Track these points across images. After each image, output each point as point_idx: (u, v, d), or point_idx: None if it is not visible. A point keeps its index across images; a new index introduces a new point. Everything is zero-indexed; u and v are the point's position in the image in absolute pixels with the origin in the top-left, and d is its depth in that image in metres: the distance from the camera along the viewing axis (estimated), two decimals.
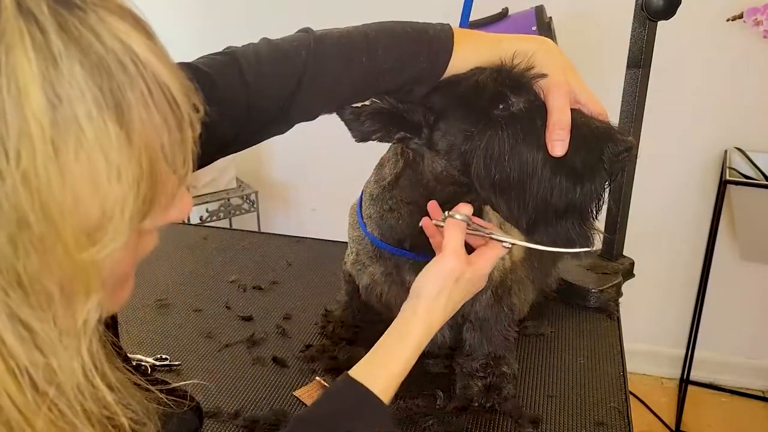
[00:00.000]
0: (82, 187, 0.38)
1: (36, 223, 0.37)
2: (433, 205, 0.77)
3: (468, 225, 0.73)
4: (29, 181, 0.36)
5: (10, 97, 0.35)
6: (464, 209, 0.73)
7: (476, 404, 0.90)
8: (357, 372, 0.68)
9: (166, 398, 0.56)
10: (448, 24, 0.73)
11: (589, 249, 0.72)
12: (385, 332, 0.71)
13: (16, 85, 0.35)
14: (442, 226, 0.73)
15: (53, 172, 0.36)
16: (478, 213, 0.85)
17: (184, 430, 0.74)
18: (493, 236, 0.73)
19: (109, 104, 0.37)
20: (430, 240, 0.77)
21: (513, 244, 0.73)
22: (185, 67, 0.63)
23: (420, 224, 0.77)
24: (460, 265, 0.70)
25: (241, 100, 0.66)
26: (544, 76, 0.70)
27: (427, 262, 0.85)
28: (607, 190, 0.70)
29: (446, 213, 0.73)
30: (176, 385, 0.66)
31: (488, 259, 0.73)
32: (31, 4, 0.36)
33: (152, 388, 0.55)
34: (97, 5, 0.38)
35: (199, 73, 0.64)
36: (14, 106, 0.35)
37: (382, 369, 0.68)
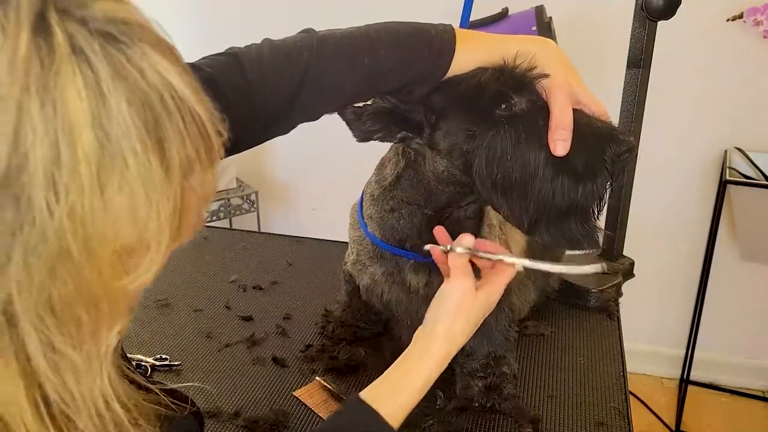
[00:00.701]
0: (122, 220, 0.39)
1: (77, 254, 0.38)
2: (440, 231, 0.77)
3: (474, 254, 0.72)
4: (75, 214, 0.37)
5: (64, 138, 0.36)
6: (465, 241, 0.72)
7: (476, 404, 0.90)
8: (367, 394, 0.68)
9: (166, 400, 0.56)
10: (450, 24, 0.73)
11: (595, 250, 0.72)
12: (402, 356, 0.71)
13: (70, 126, 0.36)
14: (446, 249, 0.72)
15: (98, 207, 0.38)
16: (479, 214, 0.85)
17: None
18: (503, 260, 0.72)
19: (152, 140, 0.39)
20: (439, 266, 0.77)
21: (524, 266, 0.72)
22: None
23: (425, 248, 0.76)
24: (469, 285, 0.70)
25: (243, 100, 0.66)
26: (546, 76, 0.70)
27: (428, 263, 0.85)
28: (609, 190, 0.70)
29: (448, 247, 0.72)
30: (176, 386, 0.66)
31: (498, 278, 0.73)
32: (83, 43, 0.37)
33: (153, 387, 0.55)
34: (140, 39, 0.40)
35: (201, 73, 0.64)
36: (68, 147, 0.36)
37: (396, 392, 0.68)
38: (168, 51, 0.42)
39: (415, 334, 0.72)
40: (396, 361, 0.71)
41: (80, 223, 0.37)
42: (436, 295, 0.73)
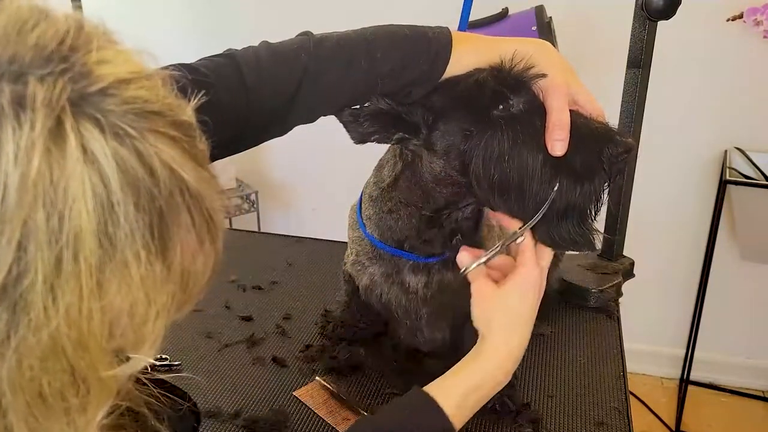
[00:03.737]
0: (120, 320, 0.39)
1: (72, 353, 0.38)
2: (469, 252, 0.74)
3: (486, 260, 0.72)
4: (71, 318, 0.37)
5: (68, 249, 0.36)
6: (466, 260, 0.72)
7: None
8: (432, 386, 0.68)
9: (162, 396, 0.56)
10: (447, 27, 0.73)
11: (592, 251, 0.72)
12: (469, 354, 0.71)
13: (75, 236, 0.36)
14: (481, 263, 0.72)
15: (96, 310, 0.37)
16: (478, 214, 0.85)
17: (181, 430, 0.74)
18: (504, 243, 0.72)
19: (156, 243, 0.38)
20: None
21: (521, 234, 0.71)
22: (185, 68, 0.63)
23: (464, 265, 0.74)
24: (484, 284, 0.71)
25: (241, 102, 0.66)
26: (543, 76, 0.70)
27: (427, 264, 0.85)
28: (606, 191, 0.70)
29: (465, 269, 0.72)
30: (174, 375, 0.66)
31: (522, 265, 0.71)
32: (95, 147, 0.36)
33: (147, 381, 0.55)
34: (153, 131, 0.39)
35: (198, 74, 0.64)
36: (71, 257, 0.36)
37: (457, 386, 0.68)
38: (184, 138, 0.41)
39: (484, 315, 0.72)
40: (464, 360, 0.71)
41: (75, 325, 0.37)
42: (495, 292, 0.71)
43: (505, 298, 0.70)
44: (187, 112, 0.43)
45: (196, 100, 0.45)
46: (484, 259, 0.72)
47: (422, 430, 0.66)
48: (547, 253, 0.73)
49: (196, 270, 0.42)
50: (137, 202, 0.37)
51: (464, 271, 0.73)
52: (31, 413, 0.39)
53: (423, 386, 0.69)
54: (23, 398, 0.38)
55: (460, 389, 0.68)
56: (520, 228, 0.71)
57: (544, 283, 0.73)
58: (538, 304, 0.72)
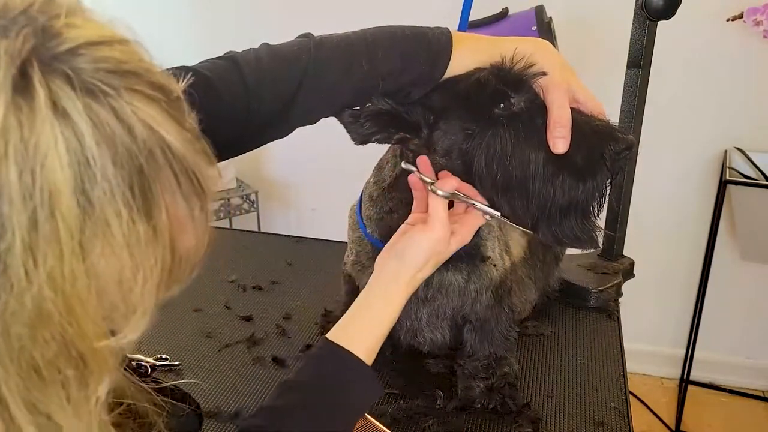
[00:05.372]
0: (107, 283, 0.38)
1: (59, 318, 0.37)
2: (423, 161, 0.75)
3: (450, 197, 0.72)
4: (55, 281, 0.36)
5: (43, 207, 0.35)
6: (448, 185, 0.71)
7: (478, 405, 0.90)
8: (338, 335, 0.69)
9: (165, 400, 0.56)
10: (447, 27, 0.73)
11: (595, 248, 0.72)
12: (363, 293, 0.72)
13: (49, 194, 0.35)
14: (429, 182, 0.73)
15: (79, 272, 0.36)
16: None
17: None
18: (476, 206, 0.73)
19: (138, 202, 0.37)
20: (413, 192, 0.77)
21: (493, 216, 0.73)
22: (186, 71, 0.63)
23: (402, 165, 0.75)
24: (446, 235, 0.71)
25: (242, 104, 0.66)
26: (544, 74, 0.70)
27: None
28: (608, 188, 0.70)
29: (431, 186, 0.72)
30: (176, 383, 0.66)
31: (472, 227, 0.74)
32: (67, 103, 0.35)
33: (151, 390, 0.54)
34: (130, 89, 0.38)
35: (199, 76, 0.64)
36: (46, 216, 0.35)
37: (366, 333, 0.69)
38: (163, 99, 0.39)
39: (376, 262, 0.74)
40: (358, 302, 0.72)
41: (60, 290, 0.36)
42: (407, 234, 0.73)
43: (447, 252, 0.73)
44: (174, 86, 0.42)
45: (185, 82, 0.44)
46: (461, 196, 0.72)
47: (339, 377, 0.67)
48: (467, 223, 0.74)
49: (186, 238, 0.41)
50: (114, 159, 0.36)
51: (433, 189, 0.71)
52: (25, 386, 0.38)
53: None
54: (15, 369, 0.37)
55: (374, 338, 0.70)
56: (501, 216, 0.73)
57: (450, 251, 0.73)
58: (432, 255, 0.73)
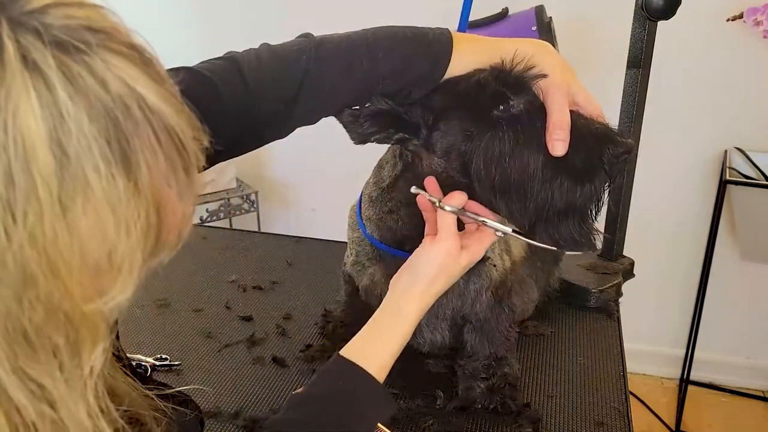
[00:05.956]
0: (90, 242, 0.37)
1: (43, 279, 0.36)
2: (431, 182, 0.76)
3: (461, 213, 0.73)
4: (36, 239, 0.35)
5: (17, 160, 0.34)
6: (455, 200, 0.72)
7: (479, 406, 0.90)
8: (351, 351, 0.68)
9: (167, 405, 0.55)
10: (447, 28, 0.73)
11: (593, 251, 0.72)
12: (378, 310, 0.72)
13: (23, 146, 0.34)
14: (435, 202, 0.73)
15: (60, 230, 0.36)
16: None
17: None
18: (486, 223, 0.73)
19: (117, 156, 0.37)
20: (423, 215, 0.77)
21: (505, 233, 0.73)
22: (186, 71, 0.63)
23: (412, 190, 0.76)
24: (455, 245, 0.71)
25: (242, 104, 0.66)
26: (544, 76, 0.70)
27: None
28: (607, 191, 0.70)
29: (438, 203, 0.72)
30: (175, 389, 0.66)
31: (483, 243, 0.74)
32: (37, 56, 0.35)
33: (151, 394, 0.54)
34: (103, 46, 0.37)
35: (200, 77, 0.64)
36: (22, 169, 0.34)
37: (378, 350, 0.68)
38: (139, 58, 0.39)
39: (391, 281, 0.73)
40: (373, 318, 0.71)
41: (42, 249, 0.36)
42: (418, 250, 0.73)
43: (456, 267, 0.72)
44: (148, 47, 0.41)
45: (176, 79, 0.44)
46: (468, 214, 0.73)
47: (351, 393, 0.67)
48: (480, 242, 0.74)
49: (171, 199, 0.40)
50: (89, 112, 0.36)
51: (441, 205, 0.72)
52: (12, 351, 0.37)
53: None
54: (1, 334, 0.37)
55: (388, 354, 0.69)
56: (513, 230, 0.72)
57: (466, 260, 0.73)
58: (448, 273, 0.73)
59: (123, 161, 0.37)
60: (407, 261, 0.74)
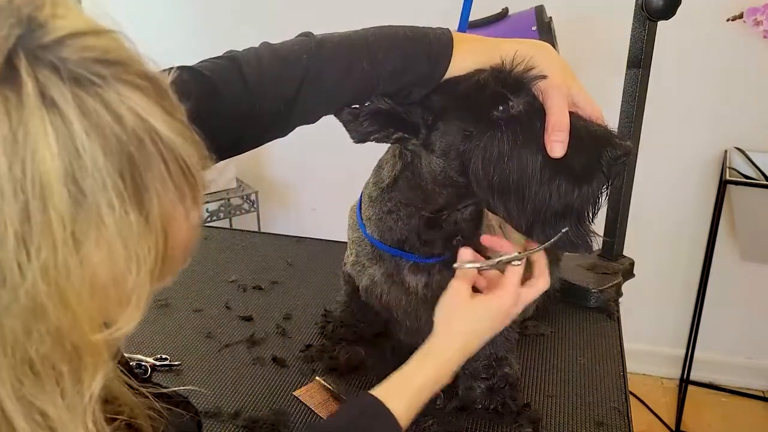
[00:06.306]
0: (100, 275, 0.38)
1: (53, 311, 0.37)
2: (466, 252, 0.76)
3: (481, 268, 0.74)
4: (48, 273, 0.36)
5: (35, 199, 0.34)
6: (465, 256, 0.74)
7: (479, 406, 0.90)
8: (380, 393, 0.68)
9: (163, 406, 0.55)
10: (447, 28, 0.73)
11: (590, 253, 0.72)
12: (422, 353, 0.72)
13: (41, 184, 0.34)
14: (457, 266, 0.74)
15: (73, 264, 0.36)
16: (478, 216, 0.85)
17: None
18: (501, 260, 0.73)
19: (130, 192, 0.37)
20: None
21: (520, 258, 0.73)
22: (186, 70, 0.63)
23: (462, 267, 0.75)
24: (463, 285, 0.72)
25: (242, 103, 0.66)
26: (544, 77, 0.70)
27: (427, 264, 0.85)
28: (605, 193, 0.70)
29: (461, 265, 0.74)
30: (173, 388, 0.66)
31: (504, 286, 0.73)
32: (55, 92, 0.35)
33: (147, 393, 0.54)
34: (117, 79, 0.37)
35: (200, 76, 0.64)
36: (39, 207, 0.34)
37: (409, 395, 0.68)
38: (152, 89, 0.39)
39: (439, 319, 0.74)
40: (416, 358, 0.72)
41: (54, 282, 0.36)
42: (475, 303, 0.73)
43: (474, 309, 0.72)
44: (161, 76, 0.41)
45: (172, 75, 0.44)
46: (479, 266, 0.74)
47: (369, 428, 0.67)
48: (534, 291, 0.75)
49: (179, 227, 0.41)
50: (105, 148, 0.36)
51: (458, 266, 0.74)
52: (18, 380, 0.38)
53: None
54: (8, 363, 0.37)
55: (410, 391, 0.69)
56: (519, 252, 0.73)
57: (517, 312, 0.75)
58: (501, 328, 0.75)
59: (135, 195, 0.38)
60: (459, 305, 0.73)
